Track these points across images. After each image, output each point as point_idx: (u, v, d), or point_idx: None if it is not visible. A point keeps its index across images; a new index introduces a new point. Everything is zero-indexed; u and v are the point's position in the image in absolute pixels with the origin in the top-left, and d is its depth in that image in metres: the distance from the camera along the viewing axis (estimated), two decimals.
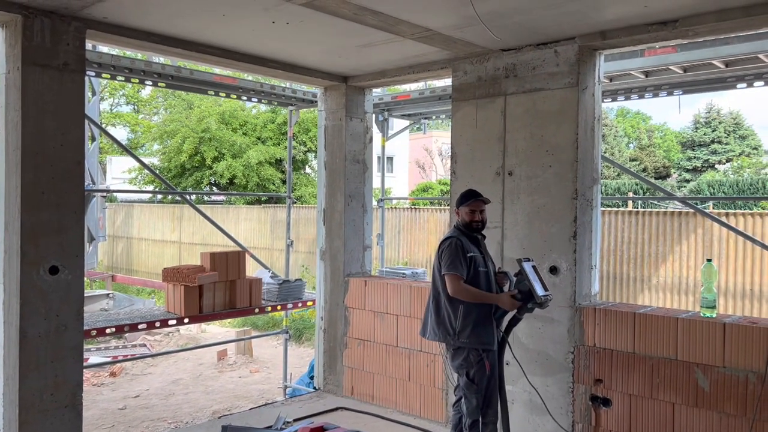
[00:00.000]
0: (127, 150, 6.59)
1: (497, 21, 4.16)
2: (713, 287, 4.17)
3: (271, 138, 21.61)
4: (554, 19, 4.16)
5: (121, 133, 32.13)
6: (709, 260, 4.19)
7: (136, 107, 33.51)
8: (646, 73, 5.44)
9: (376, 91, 6.74)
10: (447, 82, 6.60)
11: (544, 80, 4.67)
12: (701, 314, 4.11)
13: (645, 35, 4.18)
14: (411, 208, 12.33)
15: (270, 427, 4.92)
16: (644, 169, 30.26)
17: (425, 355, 5.43)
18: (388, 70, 5.71)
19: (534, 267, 3.94)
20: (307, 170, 22.70)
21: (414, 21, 4.24)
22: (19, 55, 4.01)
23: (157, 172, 21.54)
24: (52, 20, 4.09)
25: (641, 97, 6.13)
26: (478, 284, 3.98)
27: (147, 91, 30.52)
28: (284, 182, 20.76)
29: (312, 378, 6.91)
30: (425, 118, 7.99)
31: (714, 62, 4.93)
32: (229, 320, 11.83)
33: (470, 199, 4.14)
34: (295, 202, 17.64)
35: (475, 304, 3.94)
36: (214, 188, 22.31)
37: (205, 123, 20.75)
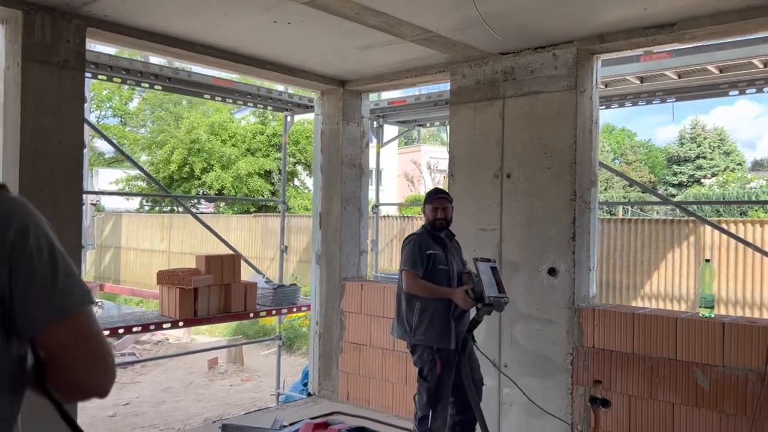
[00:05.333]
0: (122, 151, 6.55)
1: (497, 23, 4.20)
2: (712, 287, 4.20)
3: (260, 149, 21.58)
4: (553, 22, 4.22)
5: (107, 146, 31.88)
6: (707, 260, 4.23)
7: (123, 120, 33.33)
8: (641, 79, 5.51)
9: (372, 98, 6.76)
10: (440, 87, 6.65)
11: (543, 83, 4.71)
12: (700, 314, 4.13)
13: (643, 38, 4.24)
14: (403, 218, 12.32)
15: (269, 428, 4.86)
16: (631, 185, 30.53)
17: None
18: (386, 74, 5.73)
19: (493, 268, 3.85)
20: (296, 182, 22.66)
21: (415, 22, 4.27)
22: (19, 51, 3.98)
23: (145, 183, 21.44)
24: (53, 17, 4.07)
25: (635, 104, 6.19)
26: (435, 282, 4.00)
27: (134, 103, 30.40)
28: (273, 193, 20.72)
29: (305, 385, 6.84)
30: (419, 125, 8.03)
31: (708, 67, 5.01)
32: (219, 330, 11.72)
33: (433, 197, 4.24)
34: (288, 210, 17.59)
35: (432, 301, 3.97)
36: (202, 199, 22.18)
37: (195, 134, 20.69)
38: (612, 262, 8.77)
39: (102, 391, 1.17)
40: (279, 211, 7.67)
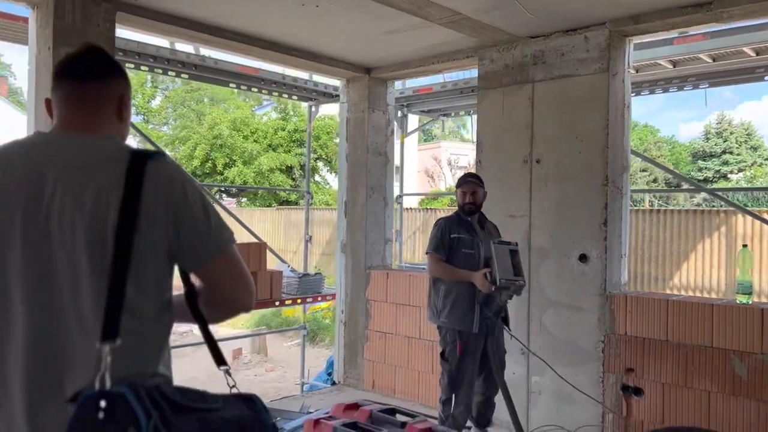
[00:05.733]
0: (150, 140, 6.58)
1: (528, 4, 4.13)
2: (749, 273, 4.09)
3: (281, 145, 21.67)
4: (584, 3, 4.13)
5: (130, 143, 32.22)
6: (744, 246, 4.12)
7: (145, 117, 33.70)
8: (674, 63, 5.39)
9: (397, 86, 6.71)
10: (466, 74, 6.58)
11: (573, 66, 4.63)
12: (737, 301, 4.03)
13: (679, 18, 4.14)
14: (426, 209, 12.26)
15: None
16: (654, 180, 30.09)
17: None
18: (412, 60, 5.68)
19: (512, 251, 3.82)
20: (317, 178, 22.70)
21: (443, 3, 4.20)
22: (51, 35, 3.99)
23: None
24: (84, 1, 4.08)
25: (666, 90, 6.07)
26: (457, 265, 4.02)
27: (157, 101, 30.69)
28: (294, 188, 20.79)
29: (330, 374, 6.83)
30: (444, 115, 7.96)
31: (745, 49, 4.88)
32: (242, 321, 11.77)
33: (462, 181, 4.25)
34: (311, 203, 17.67)
35: (456, 284, 3.99)
36: (224, 195, 22.33)
37: (217, 130, 20.84)
38: (640, 253, 8.62)
39: (248, 306, 1.53)
40: (301, 205, 7.67)
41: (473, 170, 5.30)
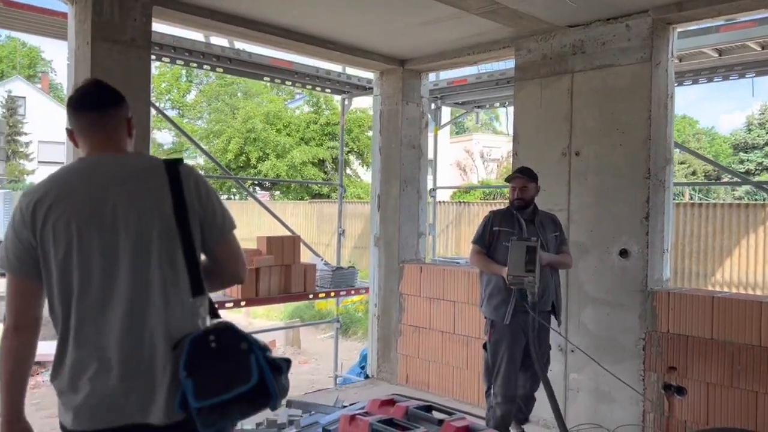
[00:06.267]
0: (183, 132, 6.65)
1: None
2: None
3: (314, 138, 21.75)
4: None
5: (166, 137, 32.76)
6: None
7: (180, 111, 34.19)
8: (720, 52, 5.19)
9: (431, 78, 6.63)
10: (502, 66, 6.47)
11: (614, 56, 4.49)
12: None
13: (726, 5, 3.98)
14: (459, 203, 12.14)
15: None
16: (693, 173, 29.32)
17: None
18: (447, 51, 5.60)
19: (529, 248, 3.77)
20: (348, 171, 22.73)
21: None
22: (89, 30, 4.02)
23: (203, 172, 21.92)
24: None
25: (710, 80, 5.87)
26: (495, 257, 4.03)
27: (191, 96, 31.08)
28: (326, 181, 20.86)
29: (363, 368, 6.83)
30: (478, 107, 7.84)
31: None
32: (276, 314, 11.86)
33: (511, 176, 4.24)
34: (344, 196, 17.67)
35: (494, 276, 4.03)
36: (257, 188, 22.54)
37: (251, 123, 21.01)
38: (681, 248, 8.39)
39: (243, 279, 1.98)
40: (334, 198, 7.67)
41: (508, 163, 5.20)
